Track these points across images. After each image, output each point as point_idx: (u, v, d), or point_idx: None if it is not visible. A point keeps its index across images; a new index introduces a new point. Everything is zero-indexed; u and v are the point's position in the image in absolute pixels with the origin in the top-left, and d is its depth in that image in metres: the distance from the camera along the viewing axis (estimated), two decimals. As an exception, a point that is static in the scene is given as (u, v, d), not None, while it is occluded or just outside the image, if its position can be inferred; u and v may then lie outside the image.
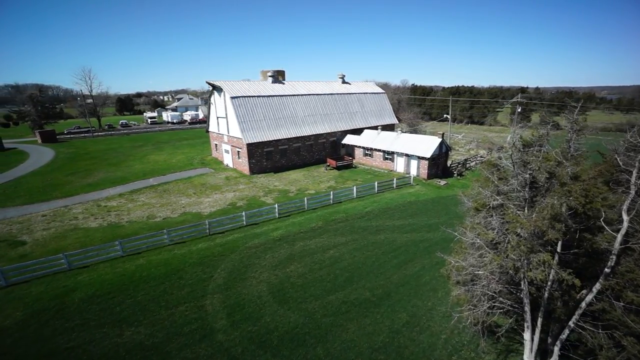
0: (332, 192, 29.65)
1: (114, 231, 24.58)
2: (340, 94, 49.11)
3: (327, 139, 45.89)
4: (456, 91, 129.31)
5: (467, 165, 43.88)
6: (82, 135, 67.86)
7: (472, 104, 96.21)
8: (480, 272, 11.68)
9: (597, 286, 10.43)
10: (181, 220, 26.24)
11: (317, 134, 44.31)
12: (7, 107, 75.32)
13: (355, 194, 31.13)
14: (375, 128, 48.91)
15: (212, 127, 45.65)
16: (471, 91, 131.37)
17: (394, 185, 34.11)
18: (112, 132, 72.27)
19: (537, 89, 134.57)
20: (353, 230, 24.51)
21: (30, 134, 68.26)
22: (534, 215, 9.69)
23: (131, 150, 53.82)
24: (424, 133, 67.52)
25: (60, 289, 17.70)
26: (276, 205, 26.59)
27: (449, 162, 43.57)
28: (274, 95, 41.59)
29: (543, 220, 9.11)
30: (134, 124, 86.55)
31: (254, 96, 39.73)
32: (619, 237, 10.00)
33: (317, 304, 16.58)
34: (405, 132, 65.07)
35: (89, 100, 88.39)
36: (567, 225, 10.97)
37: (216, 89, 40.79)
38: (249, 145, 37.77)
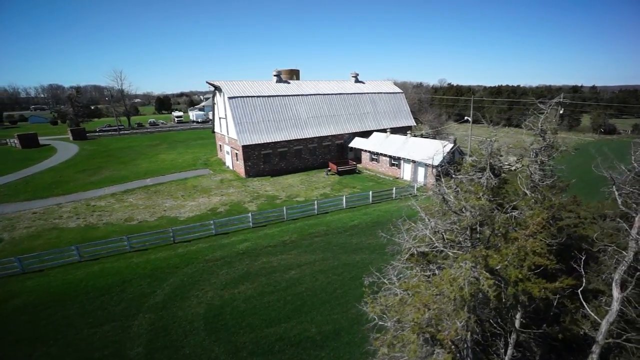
0: (316, 202, 27.17)
1: (87, 233, 24.32)
2: (350, 93, 46.15)
3: (333, 141, 43.26)
4: (497, 91, 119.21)
5: (489, 174, 38.80)
6: (110, 133, 71.93)
7: (511, 105, 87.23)
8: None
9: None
10: (155, 225, 25.41)
11: (322, 137, 41.86)
12: (51, 108, 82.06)
13: (345, 204, 28.32)
14: (390, 130, 45.30)
15: (217, 127, 45.18)
16: (514, 91, 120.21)
17: (393, 195, 30.69)
18: (137, 131, 75.73)
19: (593, 87, 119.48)
20: (327, 248, 21.87)
21: (67, 132, 73.73)
22: (427, 293, 6.53)
23: (146, 149, 55.40)
24: (448, 135, 61.91)
25: (3, 295, 17.32)
26: (250, 214, 24.74)
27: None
28: (275, 96, 39.88)
29: (441, 304, 5.97)
30: (162, 123, 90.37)
31: (253, 96, 38.32)
32: (605, 323, 6.52)
33: (250, 338, 14.36)
34: (426, 134, 60.21)
35: (135, 100, 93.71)
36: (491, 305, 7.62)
37: (217, 88, 40.04)
38: (245, 148, 36.43)
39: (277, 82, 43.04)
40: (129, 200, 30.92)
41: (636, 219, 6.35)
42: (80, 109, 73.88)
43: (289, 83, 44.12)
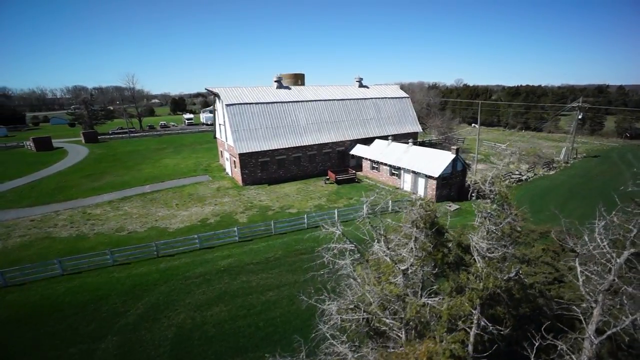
0: (306, 216, 26.36)
1: (77, 243, 24.48)
2: (353, 99, 45.02)
3: (334, 148, 42.30)
4: (515, 92, 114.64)
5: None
6: (121, 136, 73.58)
7: (528, 108, 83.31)
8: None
9: None
10: (144, 237, 25.32)
11: (322, 144, 40.98)
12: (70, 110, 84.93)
13: (337, 218, 27.33)
14: (393, 137, 43.95)
15: (217, 133, 45.13)
16: (534, 91, 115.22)
17: (389, 209, 29.45)
18: (147, 134, 77.04)
19: (620, 87, 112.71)
20: (312, 267, 20.98)
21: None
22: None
23: (152, 153, 56.13)
24: (458, 141, 59.59)
25: (-19, 310, 17.46)
26: (236, 229, 24.23)
27: (475, 180, 37.10)
28: (273, 102, 39.31)
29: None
30: (173, 125, 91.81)
31: (251, 103, 37.89)
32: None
33: (212, 369, 13.76)
34: (435, 139, 58.17)
35: (152, 101, 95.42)
36: None
37: (216, 95, 39.87)
38: (242, 155, 36.05)
39: (277, 88, 42.47)
40: (124, 209, 31.09)
41: (595, 311, 5.16)
42: (94, 112, 76.06)
43: (289, 89, 43.46)
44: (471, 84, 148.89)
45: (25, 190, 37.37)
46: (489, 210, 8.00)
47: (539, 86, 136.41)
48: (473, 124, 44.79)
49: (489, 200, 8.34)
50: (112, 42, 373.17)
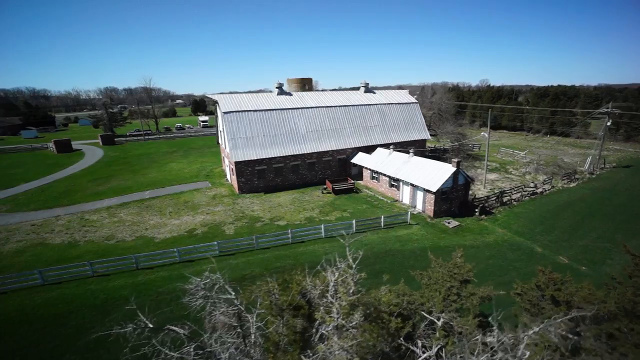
0: (290, 231, 25.51)
1: (66, 251, 25.05)
2: (356, 105, 43.66)
3: (335, 156, 41.19)
4: (544, 93, 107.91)
5: (505, 198, 34.24)
6: (137, 138, 75.99)
7: (554, 111, 77.87)
8: None
9: None
10: (130, 246, 25.53)
11: (321, 152, 40.00)
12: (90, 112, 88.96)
13: (323, 233, 26.34)
14: (400, 145, 42.39)
15: (220, 139, 45.27)
16: (565, 93, 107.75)
17: (382, 224, 28.04)
18: (162, 136, 79.12)
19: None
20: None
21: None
22: None
23: (161, 157, 57.40)
24: (473, 147, 56.58)
25: (-42, 319, 18.02)
26: (216, 243, 23.83)
27: (483, 193, 34.92)
28: (272, 109, 38.79)
29: None
30: (188, 127, 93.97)
31: (249, 110, 37.57)
32: None
33: (157, 401, 13.22)
34: (449, 146, 55.48)
35: (176, 102, 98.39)
36: None
37: (215, 102, 39.91)
38: (238, 164, 35.80)
39: (278, 94, 41.94)
40: (120, 215, 31.65)
41: None
42: (113, 114, 79.32)
43: (291, 95, 42.80)
44: (497, 85, 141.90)
45: (35, 193, 39.12)
46: (330, 325, 6.74)
47: (572, 86, 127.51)
48: (483, 133, 42.14)
49: (335, 310, 7.07)
50: (139, 41, 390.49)
